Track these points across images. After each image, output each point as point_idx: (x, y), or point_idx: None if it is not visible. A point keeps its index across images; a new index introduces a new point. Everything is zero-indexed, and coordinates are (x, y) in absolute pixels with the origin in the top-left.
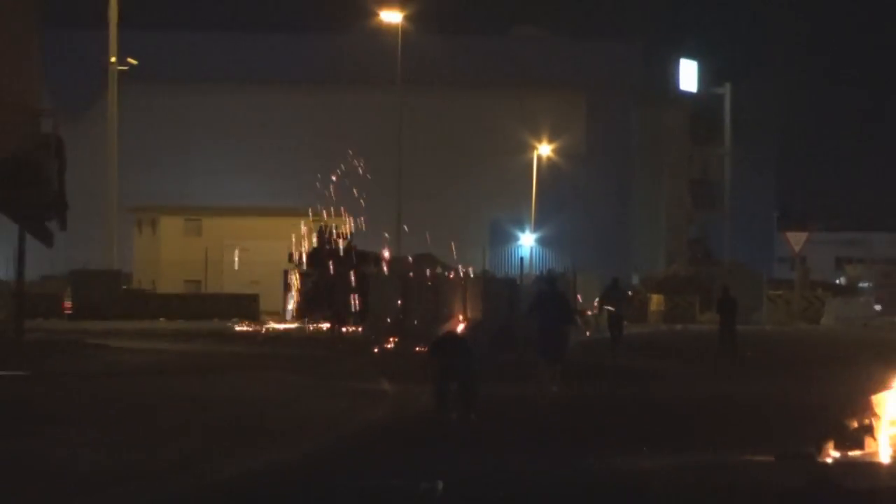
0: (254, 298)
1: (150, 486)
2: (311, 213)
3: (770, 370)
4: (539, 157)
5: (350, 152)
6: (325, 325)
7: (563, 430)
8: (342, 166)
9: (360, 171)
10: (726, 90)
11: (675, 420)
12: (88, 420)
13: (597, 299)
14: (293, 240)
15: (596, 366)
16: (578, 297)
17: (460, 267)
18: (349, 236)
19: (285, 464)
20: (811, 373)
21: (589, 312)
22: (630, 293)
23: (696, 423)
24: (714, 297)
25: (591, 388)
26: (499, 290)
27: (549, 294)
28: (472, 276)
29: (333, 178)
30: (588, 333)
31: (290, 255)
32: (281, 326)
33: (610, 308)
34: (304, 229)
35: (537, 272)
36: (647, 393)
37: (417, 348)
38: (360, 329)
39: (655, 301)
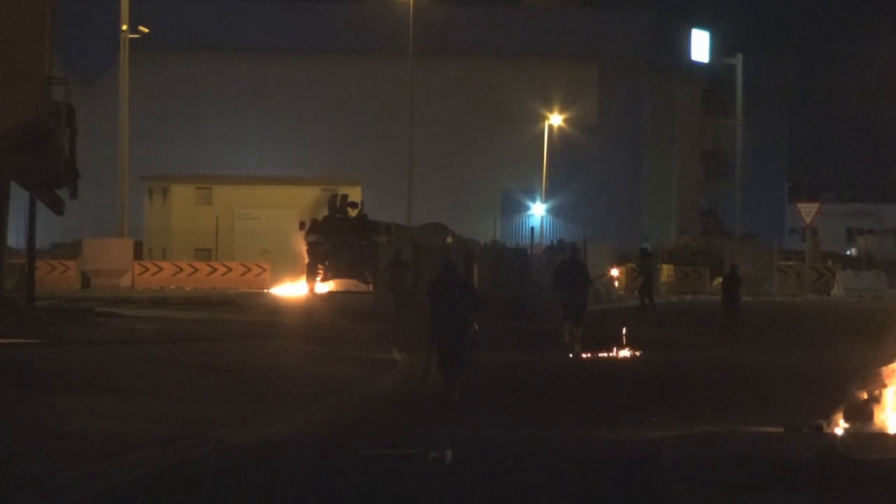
0: (264, 267)
1: (164, 453)
2: (321, 183)
3: (779, 341)
4: (551, 128)
5: (361, 122)
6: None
7: (576, 398)
8: (354, 136)
9: (372, 141)
10: (738, 61)
11: (684, 389)
12: (101, 387)
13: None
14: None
15: (612, 334)
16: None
17: None
18: (360, 205)
19: (297, 431)
20: (820, 344)
21: (612, 271)
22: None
23: (705, 392)
24: (725, 270)
25: (604, 355)
26: (510, 259)
27: (569, 263)
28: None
29: (345, 148)
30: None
31: (302, 224)
32: (292, 294)
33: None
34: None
35: (548, 242)
36: (658, 361)
37: None
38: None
39: (666, 272)
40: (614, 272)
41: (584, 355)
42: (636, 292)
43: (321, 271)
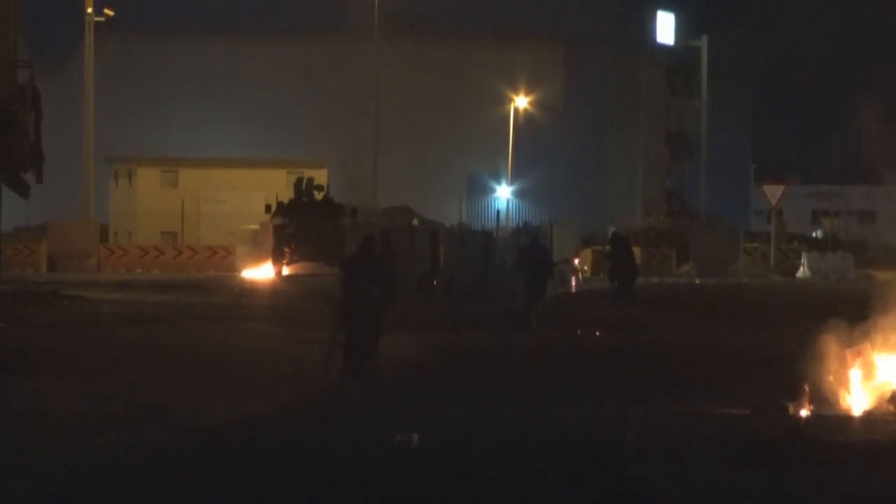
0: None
1: (130, 435)
2: (287, 165)
3: (744, 322)
4: (516, 109)
5: (327, 104)
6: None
7: (540, 379)
8: (320, 118)
9: (337, 124)
10: (703, 43)
11: (650, 370)
12: (66, 370)
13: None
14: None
15: (573, 316)
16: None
17: None
18: (326, 188)
19: (262, 413)
20: (786, 325)
21: (576, 261)
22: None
23: (671, 373)
24: (689, 250)
25: (570, 337)
26: (475, 242)
27: (532, 247)
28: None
29: (311, 130)
30: (574, 284)
31: (268, 207)
32: (258, 277)
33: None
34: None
35: (514, 224)
36: (624, 343)
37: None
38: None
39: None
40: (576, 262)
41: (547, 337)
42: (602, 275)
43: (287, 254)
